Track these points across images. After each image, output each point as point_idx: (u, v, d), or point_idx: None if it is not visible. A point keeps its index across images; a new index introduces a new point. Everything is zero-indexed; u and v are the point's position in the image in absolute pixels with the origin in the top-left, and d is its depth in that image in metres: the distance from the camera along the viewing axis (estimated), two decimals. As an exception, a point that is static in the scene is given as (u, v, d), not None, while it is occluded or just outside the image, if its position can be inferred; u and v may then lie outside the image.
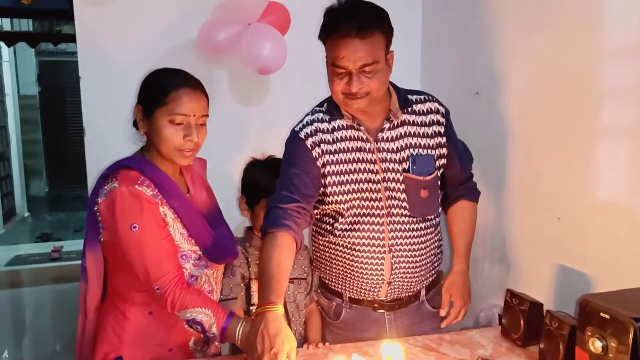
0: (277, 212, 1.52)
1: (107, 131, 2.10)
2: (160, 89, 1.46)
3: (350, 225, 1.64)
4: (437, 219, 1.74)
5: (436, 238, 1.75)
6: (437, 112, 1.65)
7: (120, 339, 1.49)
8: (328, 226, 1.68)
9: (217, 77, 2.18)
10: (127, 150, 1.59)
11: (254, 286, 1.74)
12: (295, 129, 1.65)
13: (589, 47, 1.58)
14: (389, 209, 1.62)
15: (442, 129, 1.65)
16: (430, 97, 1.68)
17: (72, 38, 2.07)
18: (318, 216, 1.70)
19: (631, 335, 1.10)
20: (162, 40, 2.12)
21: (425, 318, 1.78)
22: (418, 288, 1.74)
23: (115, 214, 1.41)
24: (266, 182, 1.73)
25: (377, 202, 1.62)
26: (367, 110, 1.56)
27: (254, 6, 1.99)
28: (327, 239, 1.70)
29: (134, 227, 1.40)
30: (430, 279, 1.77)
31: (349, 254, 1.66)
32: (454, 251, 1.78)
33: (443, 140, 1.66)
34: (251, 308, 1.74)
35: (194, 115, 1.46)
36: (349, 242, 1.65)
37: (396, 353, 1.37)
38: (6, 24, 7.74)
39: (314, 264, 1.84)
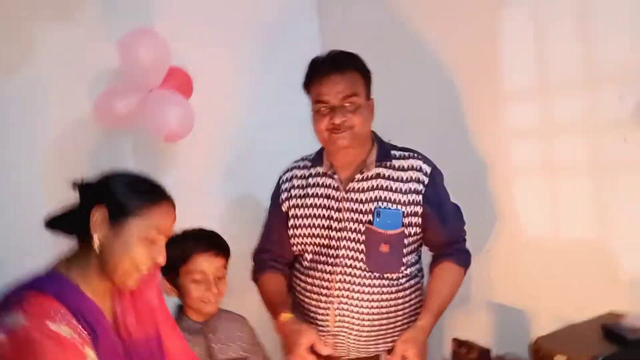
0: (260, 261, 1.76)
1: None
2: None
3: (305, 270, 1.68)
4: (403, 280, 1.62)
5: (401, 301, 1.63)
6: (420, 170, 1.61)
7: None
8: (296, 264, 1.74)
9: (120, 150, 2.04)
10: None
11: None
12: (282, 172, 1.77)
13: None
14: (341, 259, 1.60)
15: (420, 187, 1.59)
16: (415, 155, 1.64)
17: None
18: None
19: (592, 375, 1.08)
20: (55, 117, 1.95)
21: None
22: (375, 351, 1.64)
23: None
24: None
25: (330, 250, 1.63)
26: (351, 146, 1.56)
27: (154, 72, 1.89)
28: (295, 277, 1.74)
29: None
30: (392, 345, 1.56)
31: (303, 297, 1.69)
32: (423, 306, 1.62)
33: (419, 198, 1.59)
34: None
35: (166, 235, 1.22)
36: (303, 287, 1.69)
37: None
38: None
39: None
